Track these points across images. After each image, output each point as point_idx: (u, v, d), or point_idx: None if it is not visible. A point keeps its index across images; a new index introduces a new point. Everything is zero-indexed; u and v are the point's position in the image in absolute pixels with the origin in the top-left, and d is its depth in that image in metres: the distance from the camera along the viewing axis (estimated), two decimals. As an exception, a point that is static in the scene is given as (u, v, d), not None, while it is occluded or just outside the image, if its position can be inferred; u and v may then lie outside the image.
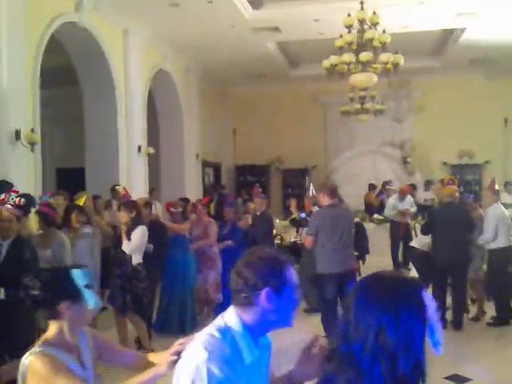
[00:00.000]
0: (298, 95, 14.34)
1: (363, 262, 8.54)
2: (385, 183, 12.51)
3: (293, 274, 1.67)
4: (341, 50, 8.21)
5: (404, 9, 9.01)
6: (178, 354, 1.79)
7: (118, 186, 8.00)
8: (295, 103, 14.45)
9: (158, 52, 10.48)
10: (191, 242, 6.63)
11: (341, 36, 8.09)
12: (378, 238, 10.62)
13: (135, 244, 5.29)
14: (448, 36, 11.17)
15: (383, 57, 8.17)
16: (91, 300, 2.12)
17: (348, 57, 8.14)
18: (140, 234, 5.33)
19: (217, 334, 1.62)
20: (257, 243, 7.42)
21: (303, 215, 6.73)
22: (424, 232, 6.91)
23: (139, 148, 9.50)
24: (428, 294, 1.23)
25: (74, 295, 2.08)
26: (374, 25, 7.94)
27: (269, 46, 11.03)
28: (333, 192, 5.28)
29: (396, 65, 8.34)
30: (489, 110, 13.23)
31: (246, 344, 1.63)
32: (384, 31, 8.02)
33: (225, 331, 1.63)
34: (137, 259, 5.27)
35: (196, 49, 10.88)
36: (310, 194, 8.26)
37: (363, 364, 1.15)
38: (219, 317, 1.70)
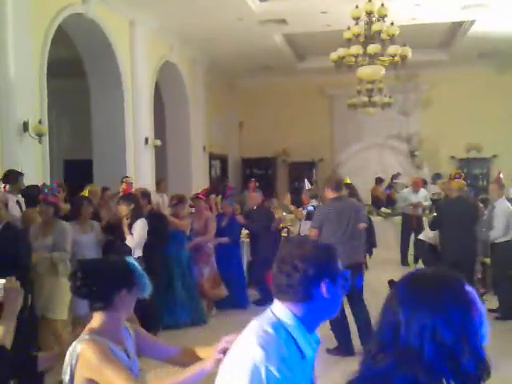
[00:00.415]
0: (305, 88, 14.29)
1: (370, 256, 8.53)
2: (393, 176, 12.47)
3: (341, 265, 1.65)
4: (348, 43, 8.17)
5: (412, 1, 8.94)
6: (225, 351, 1.71)
7: (128, 177, 8.03)
8: (302, 96, 14.40)
9: (165, 43, 10.47)
10: (190, 239, 6.60)
11: (348, 28, 8.04)
12: (385, 231, 10.61)
13: (138, 238, 5.31)
14: (456, 28, 11.08)
15: (391, 49, 8.12)
16: (146, 287, 2.09)
17: (356, 49, 8.10)
18: (140, 227, 5.33)
19: (271, 330, 1.53)
20: (257, 238, 7.41)
21: (311, 208, 6.70)
22: (432, 226, 6.90)
23: (146, 140, 9.52)
24: (470, 287, 1.23)
25: (132, 284, 2.05)
26: (382, 17, 7.88)
27: (276, 38, 10.99)
28: (338, 185, 5.29)
29: (404, 57, 8.29)
30: (497, 104, 13.13)
31: (304, 338, 1.57)
32: (392, 23, 7.98)
33: (278, 326, 1.55)
34: (137, 253, 5.28)
35: (203, 41, 10.86)
36: (306, 187, 8.25)
37: (425, 364, 1.14)
38: (267, 311, 1.62)
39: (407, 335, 1.16)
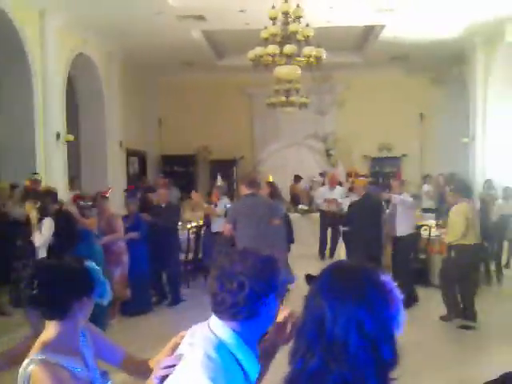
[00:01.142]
0: (225, 85, 14.33)
1: (288, 251, 8.72)
2: (320, 175, 12.91)
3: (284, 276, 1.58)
4: (266, 42, 8.28)
5: (327, 3, 9.21)
6: (163, 378, 1.57)
7: (36, 174, 7.66)
8: (223, 93, 14.44)
9: (78, 36, 10.07)
10: (98, 238, 6.43)
11: (265, 28, 8.16)
12: (303, 227, 10.90)
13: (46, 236, 5.11)
14: (369, 32, 11.56)
15: (306, 50, 8.33)
16: (106, 294, 1.95)
17: (272, 48, 8.23)
18: (48, 226, 5.16)
19: (214, 355, 1.43)
20: (162, 236, 7.24)
21: (228, 205, 6.77)
22: (344, 224, 7.21)
23: (58, 135, 9.12)
24: (388, 278, 1.24)
25: (91, 290, 1.90)
26: (298, 18, 8.08)
27: (194, 34, 10.92)
28: (251, 182, 5.38)
29: (319, 59, 8.54)
30: (406, 106, 13.88)
31: (247, 357, 1.48)
32: (307, 25, 8.18)
33: (220, 347, 1.45)
34: (42, 253, 5.09)
35: (119, 34, 10.57)
36: (217, 184, 8.32)
37: (350, 358, 1.13)
38: (204, 327, 1.52)
39: (333, 330, 1.15)
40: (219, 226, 7.12)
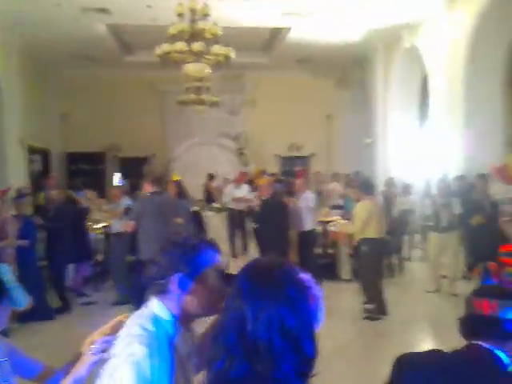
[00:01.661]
0: (134, 82, 14.01)
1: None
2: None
3: (215, 258, 1.61)
4: (174, 39, 8.20)
5: (234, 4, 9.27)
6: (97, 350, 1.63)
7: None
8: (132, 90, 14.09)
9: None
10: None
11: (173, 24, 8.08)
12: (217, 225, 10.92)
13: None
14: (276, 34, 11.80)
15: (215, 49, 8.36)
16: (20, 300, 1.82)
17: (180, 45, 8.17)
18: None
19: (149, 326, 1.53)
20: (58, 238, 6.94)
21: (128, 203, 6.60)
22: (255, 222, 7.33)
23: None
24: (306, 274, 1.25)
25: (3, 295, 1.75)
26: (205, 16, 8.08)
27: (99, 28, 10.55)
28: (156, 180, 5.32)
29: (227, 57, 8.59)
30: (314, 107, 14.32)
31: (177, 333, 1.57)
32: (215, 24, 8.20)
33: (156, 321, 1.56)
34: None
35: (18, 24, 9.96)
36: (119, 183, 8.12)
37: (276, 358, 1.11)
38: (143, 308, 1.61)
39: (255, 330, 1.12)
40: (119, 226, 6.84)
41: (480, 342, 1.47)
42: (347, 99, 14.37)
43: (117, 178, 8.15)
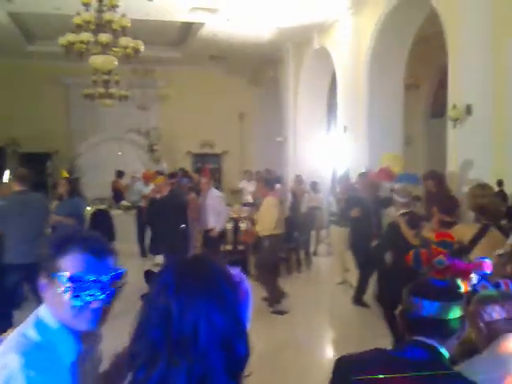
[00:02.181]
0: (37, 73, 13.24)
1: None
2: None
3: (79, 261, 1.36)
4: (79, 29, 7.86)
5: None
6: None
7: None
8: (35, 81, 13.31)
9: None
10: None
11: (78, 14, 7.74)
12: (125, 224, 10.56)
13: None
14: (188, 29, 11.68)
15: (123, 41, 8.11)
16: None
17: (86, 36, 7.85)
18: None
19: (31, 333, 1.37)
20: None
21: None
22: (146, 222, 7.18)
23: None
24: (237, 270, 1.21)
25: None
26: (113, 7, 7.81)
27: (0, 15, 9.87)
28: (21, 179, 5.04)
29: (137, 50, 8.36)
30: (227, 105, 14.37)
31: (63, 340, 1.39)
32: (124, 15, 7.95)
33: (40, 327, 1.39)
34: None
35: None
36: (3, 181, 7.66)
37: (200, 355, 1.06)
38: (33, 313, 1.44)
39: (181, 326, 1.07)
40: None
41: (423, 339, 1.48)
42: (260, 97, 14.55)
43: (7, 175, 7.61)
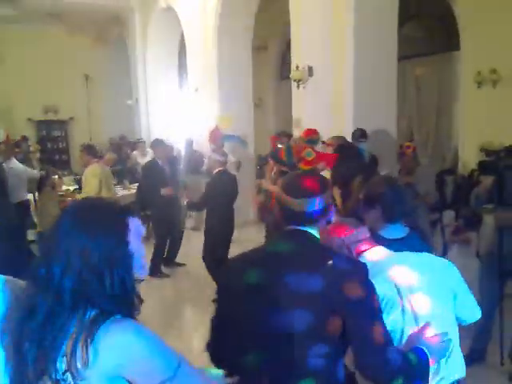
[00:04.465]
0: None
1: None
2: None
3: None
4: None
5: None
6: None
7: None
8: None
9: None
10: None
11: None
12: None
13: None
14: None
15: None
16: None
17: None
18: None
19: None
20: None
21: None
22: None
23: None
24: (136, 220, 1.32)
25: None
26: None
27: None
28: None
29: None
30: (70, 66, 13.32)
31: None
32: None
33: None
34: None
35: None
36: None
37: (65, 285, 1.20)
38: None
39: (56, 258, 1.22)
40: None
41: (297, 227, 1.71)
42: (107, 58, 13.73)
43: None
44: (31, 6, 11.33)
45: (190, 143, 9.52)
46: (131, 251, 1.27)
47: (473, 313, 2.03)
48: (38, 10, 11.65)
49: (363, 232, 2.01)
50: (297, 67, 6.39)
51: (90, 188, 5.96)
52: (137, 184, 8.11)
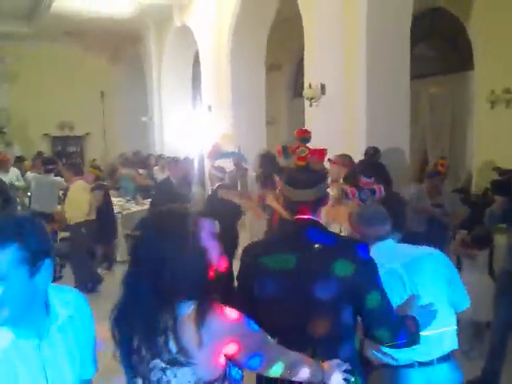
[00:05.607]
0: None
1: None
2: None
3: None
4: None
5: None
6: None
7: None
8: None
9: None
10: None
11: None
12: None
13: None
14: (39, 3, 10.73)
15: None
16: None
17: None
18: None
19: None
20: None
21: None
22: None
23: None
24: (208, 221, 1.52)
25: None
26: None
27: None
28: None
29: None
30: (86, 83, 13.53)
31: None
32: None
33: None
34: None
35: None
36: None
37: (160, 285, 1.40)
38: None
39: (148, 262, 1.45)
40: None
41: (303, 216, 1.96)
42: (122, 75, 13.93)
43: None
44: (49, 25, 11.57)
45: (201, 159, 9.58)
46: (205, 247, 1.45)
47: (464, 300, 2.30)
48: (54, 28, 11.89)
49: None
50: (310, 85, 6.43)
51: (84, 202, 6.25)
52: (149, 200, 8.17)
